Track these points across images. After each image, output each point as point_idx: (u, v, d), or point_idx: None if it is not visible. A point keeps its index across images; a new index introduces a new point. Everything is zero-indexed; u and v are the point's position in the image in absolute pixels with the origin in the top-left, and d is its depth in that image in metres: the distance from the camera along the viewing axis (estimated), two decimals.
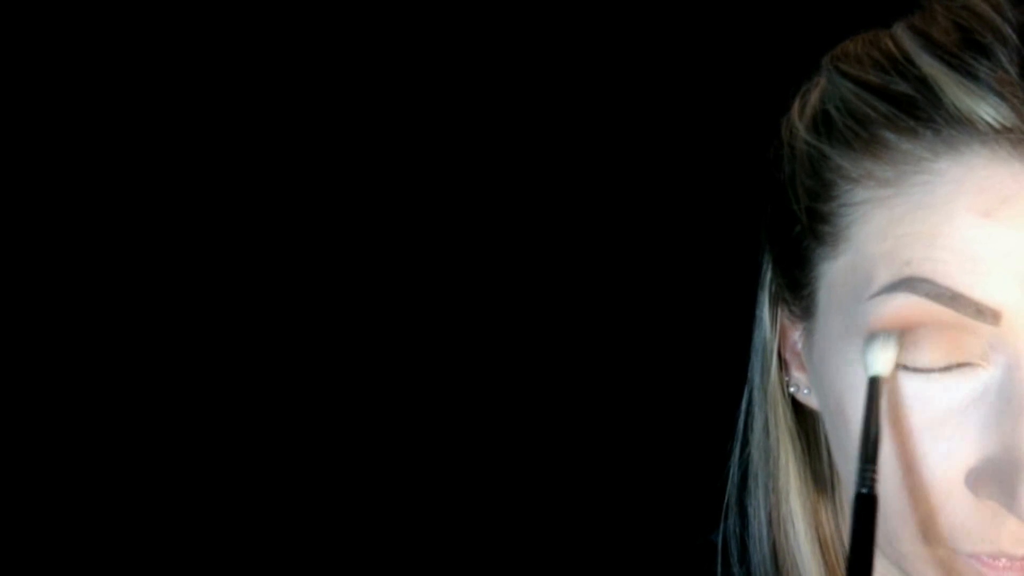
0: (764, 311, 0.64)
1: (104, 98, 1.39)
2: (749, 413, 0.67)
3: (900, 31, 0.56)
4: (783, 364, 0.64)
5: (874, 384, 0.52)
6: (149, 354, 1.41)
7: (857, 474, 0.52)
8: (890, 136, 0.53)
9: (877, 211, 0.53)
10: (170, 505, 1.40)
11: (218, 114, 1.40)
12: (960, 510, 0.51)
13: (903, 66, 0.54)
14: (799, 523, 0.65)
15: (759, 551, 0.66)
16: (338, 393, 1.43)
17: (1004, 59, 0.51)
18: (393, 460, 1.42)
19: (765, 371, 0.65)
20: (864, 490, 0.51)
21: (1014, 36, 0.52)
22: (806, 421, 0.65)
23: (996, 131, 0.50)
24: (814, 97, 0.59)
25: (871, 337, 0.52)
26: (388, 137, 1.42)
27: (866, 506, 0.51)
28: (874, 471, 0.51)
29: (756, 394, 0.66)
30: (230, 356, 1.42)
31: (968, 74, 0.51)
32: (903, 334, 0.52)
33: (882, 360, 0.52)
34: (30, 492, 1.39)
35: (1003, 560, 0.51)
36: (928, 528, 0.52)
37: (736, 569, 0.67)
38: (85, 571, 1.39)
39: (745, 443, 0.67)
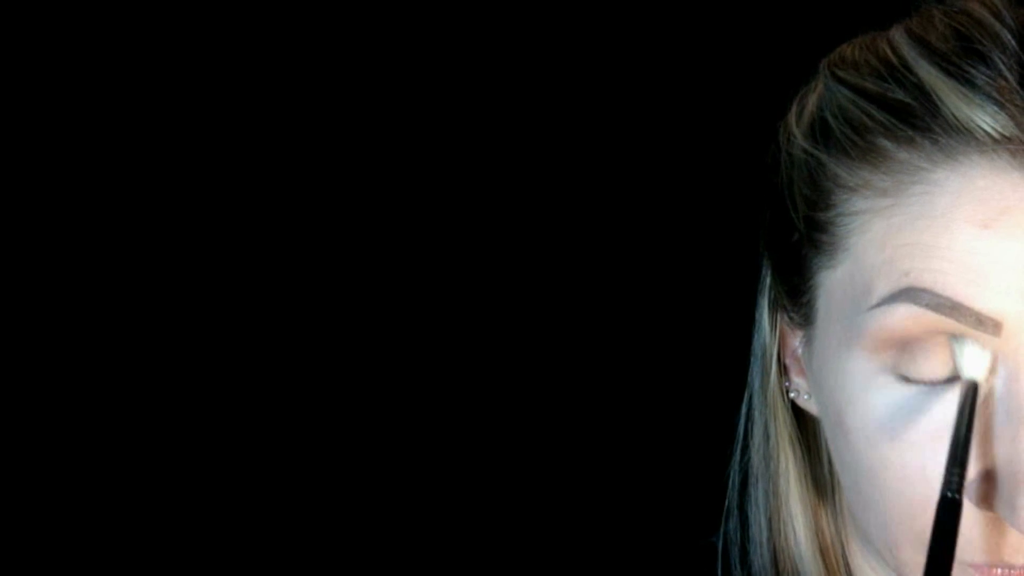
0: (764, 316, 0.64)
1: (104, 98, 1.39)
2: (749, 418, 0.66)
3: (898, 36, 0.56)
4: (783, 369, 0.64)
5: (971, 390, 0.50)
6: (149, 354, 1.41)
7: (943, 477, 0.49)
8: (888, 145, 0.52)
9: (875, 221, 0.52)
10: (170, 505, 1.40)
11: (218, 114, 1.40)
12: (960, 521, 0.51)
13: (901, 73, 0.53)
14: (799, 527, 0.65)
15: (760, 555, 0.66)
16: (338, 393, 1.43)
17: (1003, 66, 0.50)
18: (393, 460, 1.42)
19: (765, 376, 0.64)
20: (948, 494, 0.49)
21: (1013, 42, 0.52)
22: (807, 426, 0.65)
23: (995, 140, 0.49)
24: (811, 103, 0.58)
25: (960, 340, 0.50)
26: (388, 137, 1.42)
27: (949, 510, 0.49)
28: (961, 475, 0.49)
29: (756, 399, 0.65)
30: (230, 356, 1.42)
31: (966, 82, 0.50)
32: (904, 345, 0.52)
33: (978, 364, 0.50)
34: (30, 492, 1.39)
35: (1000, 569, 0.51)
36: (928, 538, 0.52)
37: (737, 572, 0.67)
38: (85, 571, 1.39)
39: (745, 447, 0.67)
